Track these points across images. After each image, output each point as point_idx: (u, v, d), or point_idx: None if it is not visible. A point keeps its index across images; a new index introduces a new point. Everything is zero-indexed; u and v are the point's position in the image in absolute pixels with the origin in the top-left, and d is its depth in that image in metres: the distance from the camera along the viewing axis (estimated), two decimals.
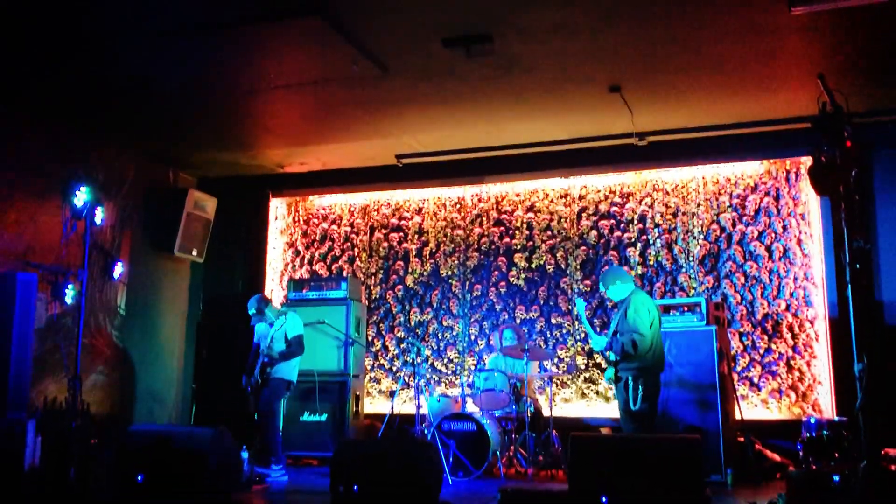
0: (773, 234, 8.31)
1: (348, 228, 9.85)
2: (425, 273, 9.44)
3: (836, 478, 5.40)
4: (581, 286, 8.82)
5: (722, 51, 6.46)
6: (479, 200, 9.42)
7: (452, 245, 9.41)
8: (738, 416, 7.32)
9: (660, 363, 6.44)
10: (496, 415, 7.68)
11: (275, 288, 10.00)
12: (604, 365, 7.82)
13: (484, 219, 9.35)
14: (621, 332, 6.38)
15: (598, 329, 8.06)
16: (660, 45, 6.34)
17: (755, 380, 8.13)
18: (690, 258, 8.52)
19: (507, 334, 8.23)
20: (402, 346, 9.38)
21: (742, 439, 7.26)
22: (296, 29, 6.08)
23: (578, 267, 8.87)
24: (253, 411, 7.53)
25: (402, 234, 9.64)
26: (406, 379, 9.20)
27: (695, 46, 6.38)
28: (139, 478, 5.63)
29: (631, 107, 7.47)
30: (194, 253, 9.32)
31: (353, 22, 5.98)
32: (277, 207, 10.24)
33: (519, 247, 9.13)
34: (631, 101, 7.37)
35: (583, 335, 8.70)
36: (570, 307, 8.83)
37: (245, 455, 6.62)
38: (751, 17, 5.89)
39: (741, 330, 8.23)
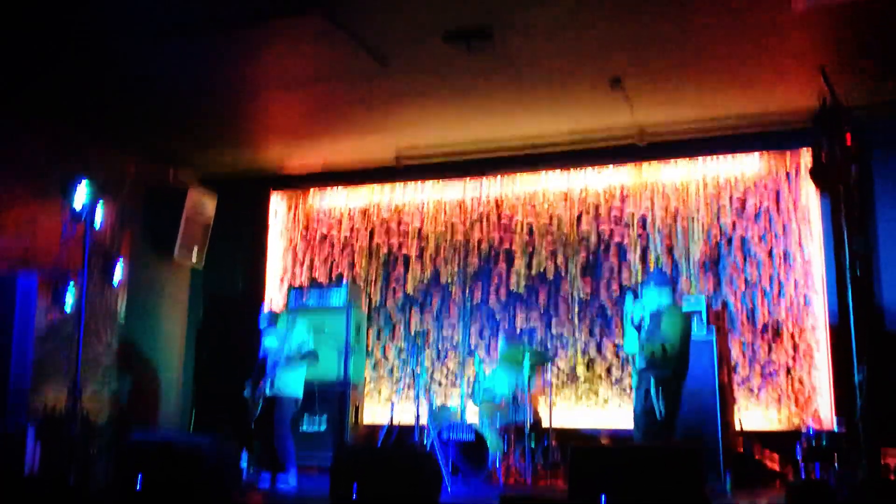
0: (773, 236, 8.27)
1: (348, 233, 9.81)
2: (425, 279, 9.42)
3: (835, 486, 5.40)
4: (581, 292, 8.79)
5: (722, 45, 6.48)
6: (479, 203, 9.38)
7: (453, 250, 9.39)
8: (737, 426, 7.29)
9: (684, 373, 6.32)
10: (496, 423, 7.65)
11: (274, 293, 9.97)
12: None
13: (484, 221, 9.32)
14: (650, 340, 6.19)
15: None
16: (660, 39, 6.35)
17: (755, 388, 8.08)
18: (690, 262, 8.50)
19: (501, 343, 8.22)
20: (402, 354, 9.35)
21: (742, 449, 7.25)
22: (296, 25, 6.08)
23: (578, 273, 8.83)
24: (252, 421, 7.45)
25: (401, 238, 9.60)
26: (406, 387, 9.17)
27: (695, 41, 6.41)
28: (138, 485, 5.63)
29: (632, 101, 7.46)
30: (194, 257, 9.30)
31: (353, 17, 5.97)
32: (276, 211, 10.19)
33: (519, 251, 9.11)
34: (631, 96, 7.36)
35: (584, 343, 8.69)
36: (569, 316, 8.78)
37: (244, 461, 6.61)
38: (751, 12, 5.91)
39: (741, 339, 8.15)
